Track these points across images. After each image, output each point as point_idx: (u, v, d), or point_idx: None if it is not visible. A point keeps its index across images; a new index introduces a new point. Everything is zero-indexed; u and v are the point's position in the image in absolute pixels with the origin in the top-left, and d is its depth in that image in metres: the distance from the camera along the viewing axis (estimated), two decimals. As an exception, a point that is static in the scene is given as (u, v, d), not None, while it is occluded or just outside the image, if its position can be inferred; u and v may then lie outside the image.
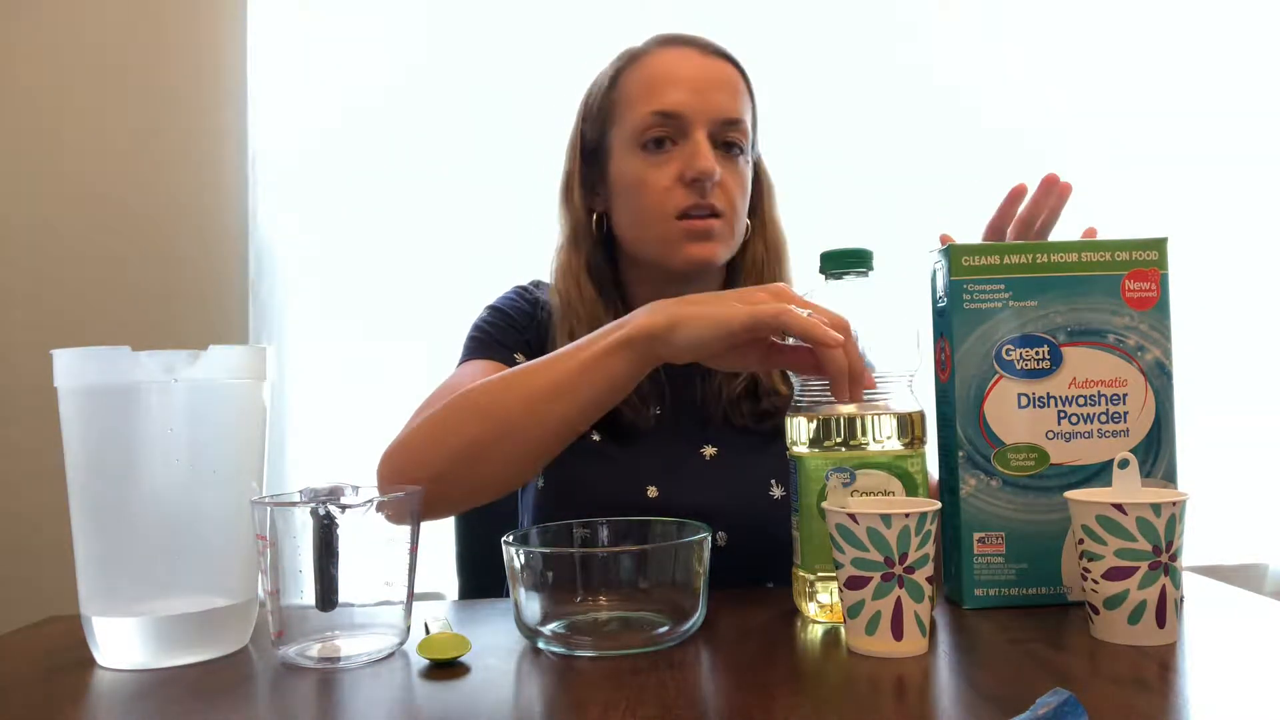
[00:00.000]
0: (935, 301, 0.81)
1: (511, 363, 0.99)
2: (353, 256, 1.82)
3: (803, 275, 1.07)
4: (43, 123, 1.82)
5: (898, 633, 0.65)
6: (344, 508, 0.67)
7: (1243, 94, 1.91)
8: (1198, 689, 0.58)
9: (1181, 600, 0.72)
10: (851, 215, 1.75)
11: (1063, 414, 0.76)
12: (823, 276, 0.79)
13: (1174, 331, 0.78)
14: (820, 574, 0.74)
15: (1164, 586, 0.65)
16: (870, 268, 0.78)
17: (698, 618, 0.71)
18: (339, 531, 0.66)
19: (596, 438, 0.97)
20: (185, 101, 1.84)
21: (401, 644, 0.71)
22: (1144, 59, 1.89)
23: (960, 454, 0.76)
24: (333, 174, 1.81)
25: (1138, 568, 0.65)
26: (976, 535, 0.76)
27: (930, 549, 0.66)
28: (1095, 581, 0.67)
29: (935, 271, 0.80)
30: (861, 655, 0.65)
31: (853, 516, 0.65)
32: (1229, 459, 1.85)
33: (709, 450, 0.99)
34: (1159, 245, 0.77)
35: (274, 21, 1.79)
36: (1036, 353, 0.76)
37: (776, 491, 0.98)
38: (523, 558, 0.69)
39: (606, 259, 1.04)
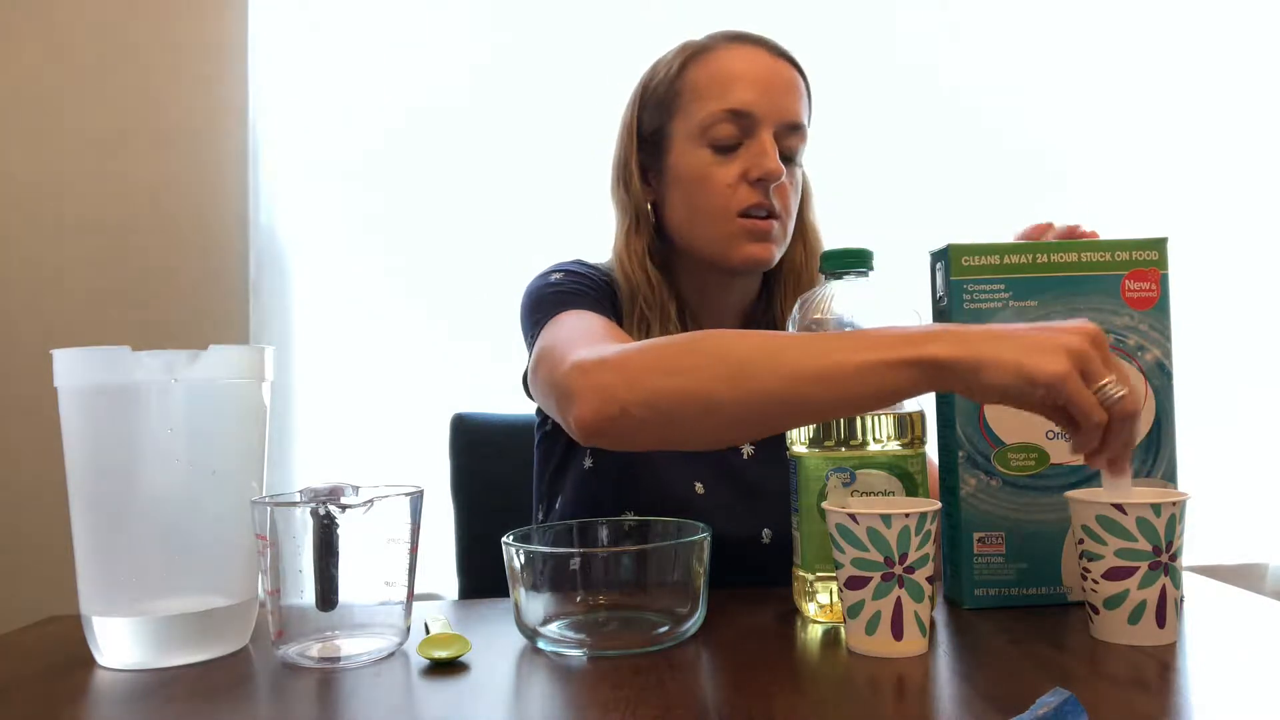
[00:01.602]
0: (935, 301, 0.81)
1: (617, 320, 0.97)
2: (353, 256, 1.82)
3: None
4: (43, 122, 1.83)
5: (898, 633, 0.65)
6: (344, 508, 0.67)
7: (1246, 93, 1.90)
8: (1198, 689, 0.57)
9: (1181, 600, 0.72)
10: (856, 216, 1.75)
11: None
12: (823, 276, 0.79)
13: (1174, 331, 0.78)
14: (820, 574, 0.74)
15: (1164, 586, 0.65)
16: (870, 268, 0.78)
17: (698, 618, 0.71)
18: (339, 531, 0.67)
19: None
20: (185, 101, 1.84)
21: (401, 644, 0.71)
22: (1147, 58, 1.89)
23: (960, 454, 0.77)
24: (333, 173, 1.81)
25: (1138, 568, 0.65)
26: (977, 535, 0.77)
27: (930, 549, 0.66)
28: (1095, 581, 0.67)
29: (935, 271, 0.80)
30: (861, 655, 0.65)
31: (853, 516, 0.65)
32: (1229, 459, 1.85)
33: (747, 450, 1.00)
34: (1159, 245, 0.77)
35: (274, 21, 1.79)
36: None
37: None
38: (523, 558, 0.69)
39: (660, 247, 1.04)
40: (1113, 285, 0.76)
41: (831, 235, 1.09)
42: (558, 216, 1.77)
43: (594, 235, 1.10)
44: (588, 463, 0.99)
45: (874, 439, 0.74)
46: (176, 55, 1.84)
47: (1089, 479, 0.76)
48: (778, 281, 1.07)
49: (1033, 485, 0.76)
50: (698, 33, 1.04)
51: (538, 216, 1.80)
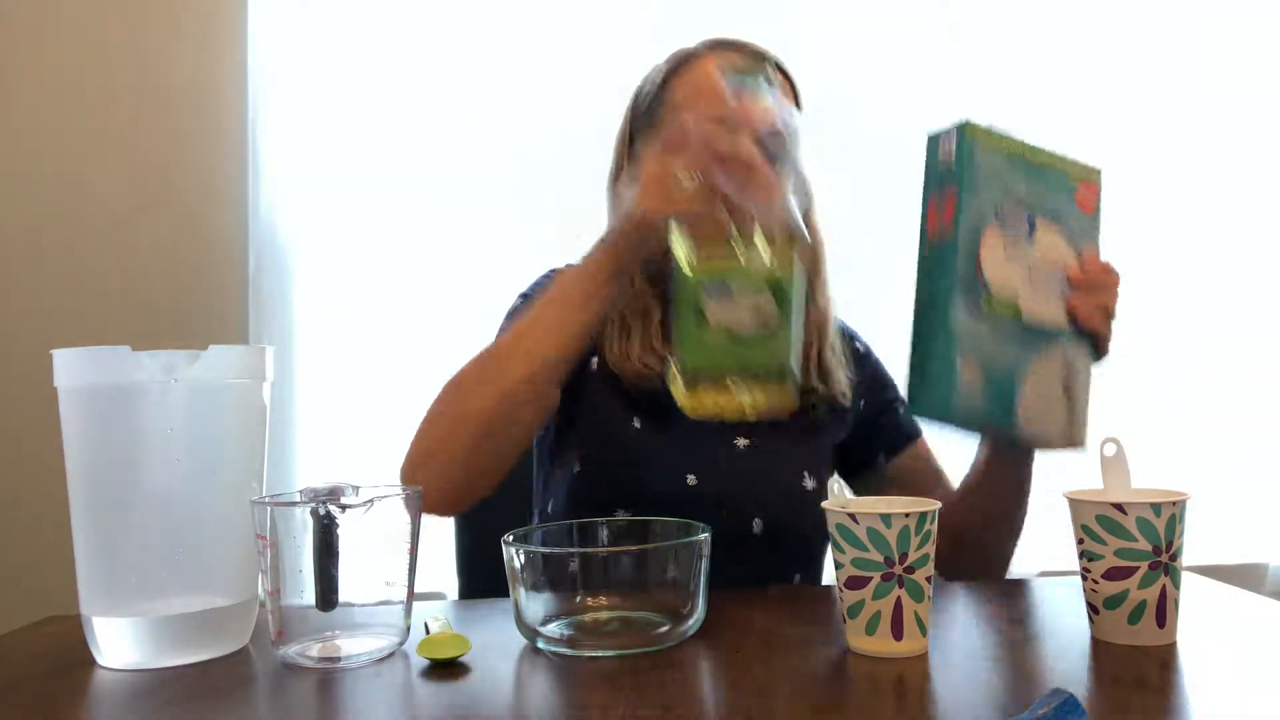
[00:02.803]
0: (936, 166, 0.84)
1: None
2: (354, 255, 1.81)
3: (843, 284, 1.08)
4: (42, 122, 1.82)
5: (898, 633, 0.65)
6: (344, 508, 0.67)
7: (1251, 90, 1.90)
8: (1198, 689, 0.58)
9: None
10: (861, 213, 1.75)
11: (1035, 273, 0.83)
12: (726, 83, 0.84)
13: (1175, 331, 0.81)
14: (695, 369, 0.77)
15: (1164, 586, 0.65)
16: (770, 80, 0.84)
17: (698, 618, 0.71)
18: (339, 531, 0.67)
19: (637, 424, 0.98)
20: (185, 101, 1.84)
21: (401, 644, 0.71)
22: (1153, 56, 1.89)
23: (958, 290, 0.80)
24: (333, 173, 1.81)
25: (1138, 568, 0.65)
26: (963, 358, 0.79)
27: (930, 549, 0.66)
28: (1095, 581, 0.67)
29: (939, 141, 0.84)
30: (861, 655, 0.65)
31: (853, 516, 0.65)
32: (1229, 459, 1.85)
33: (741, 441, 1.00)
34: (1098, 171, 0.90)
35: (274, 20, 1.79)
36: (1020, 221, 0.83)
37: (809, 482, 1.00)
38: (523, 558, 0.69)
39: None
40: (1069, 190, 0.87)
41: (836, 233, 1.08)
42: (559, 216, 1.76)
43: (595, 235, 1.10)
44: (576, 467, 0.99)
45: (748, 252, 0.76)
46: (176, 55, 1.84)
47: (1051, 339, 0.84)
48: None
49: (1011, 327, 0.82)
50: (704, 32, 1.04)
51: (538, 216, 1.79)
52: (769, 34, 1.07)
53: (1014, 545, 1.00)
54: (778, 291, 0.74)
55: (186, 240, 1.83)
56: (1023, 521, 0.98)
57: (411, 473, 0.89)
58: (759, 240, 0.75)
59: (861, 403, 1.08)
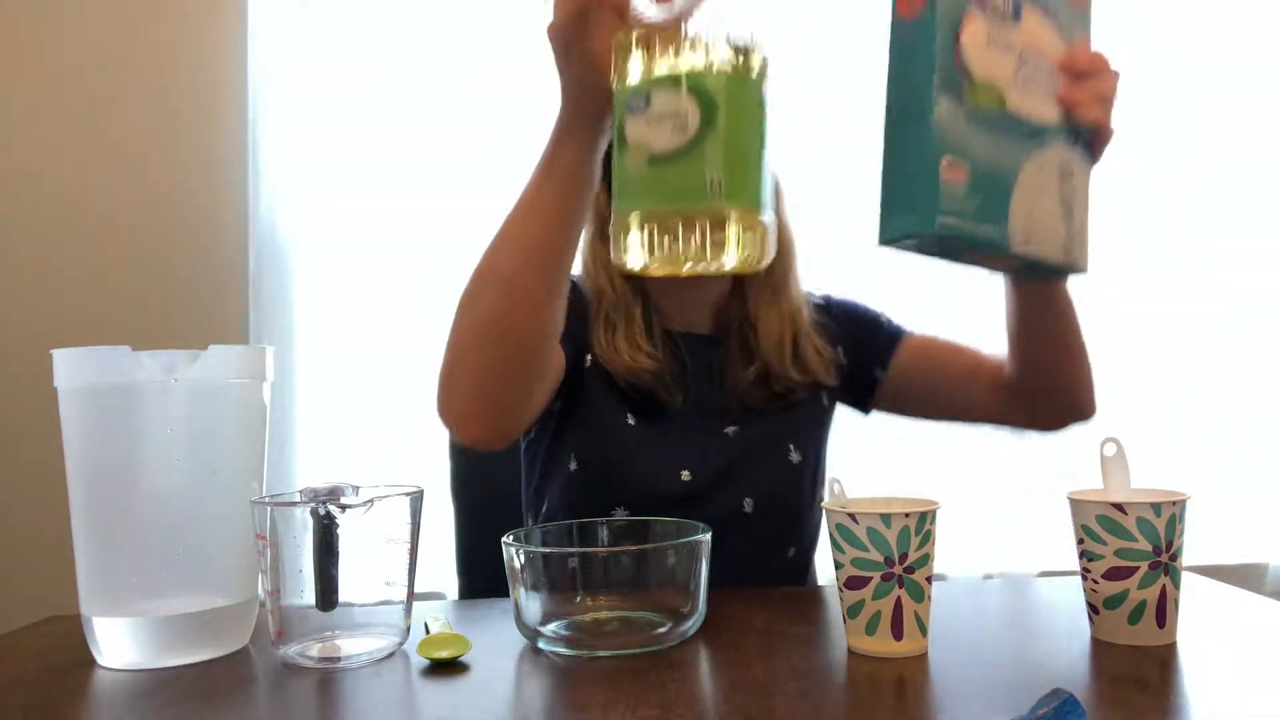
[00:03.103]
0: None
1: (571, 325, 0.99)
2: (354, 255, 1.81)
3: (810, 277, 1.07)
4: (43, 122, 1.82)
5: (898, 633, 0.65)
6: (344, 508, 0.67)
7: (1252, 87, 1.91)
8: (1198, 689, 0.58)
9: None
10: (832, 212, 1.75)
11: (1023, 62, 0.72)
12: None
13: (1176, 330, 0.78)
14: (620, 212, 0.64)
15: (1164, 586, 0.65)
16: None
17: (698, 618, 0.71)
18: (339, 531, 0.67)
19: (631, 421, 0.98)
20: (185, 101, 1.84)
21: (401, 644, 0.71)
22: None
23: (935, 76, 0.67)
24: (333, 173, 1.81)
25: (1138, 568, 0.65)
26: (945, 159, 0.68)
27: (930, 549, 0.66)
28: (1095, 581, 0.67)
29: None
30: (861, 655, 0.65)
31: (852, 516, 0.65)
32: (1229, 459, 1.85)
33: (730, 429, 1.00)
34: None
35: (274, 21, 1.79)
36: (1004, 1, 0.71)
37: (795, 456, 1.00)
38: (523, 558, 0.69)
39: None
40: None
41: (804, 232, 1.07)
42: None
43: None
44: (572, 466, 0.99)
45: (661, 57, 0.62)
46: (176, 55, 1.84)
47: (1038, 134, 0.73)
48: (750, 281, 1.04)
49: (997, 125, 0.71)
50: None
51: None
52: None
53: (1087, 369, 0.94)
54: (701, 93, 0.60)
55: (186, 240, 1.83)
56: (1082, 344, 0.92)
57: (445, 402, 0.82)
58: (690, 44, 0.62)
59: (839, 349, 1.06)
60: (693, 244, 0.61)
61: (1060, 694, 0.48)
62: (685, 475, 0.96)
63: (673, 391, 0.99)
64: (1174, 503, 0.65)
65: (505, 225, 0.83)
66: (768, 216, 0.63)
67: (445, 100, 1.83)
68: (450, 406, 0.81)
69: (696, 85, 0.61)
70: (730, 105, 0.61)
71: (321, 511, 0.66)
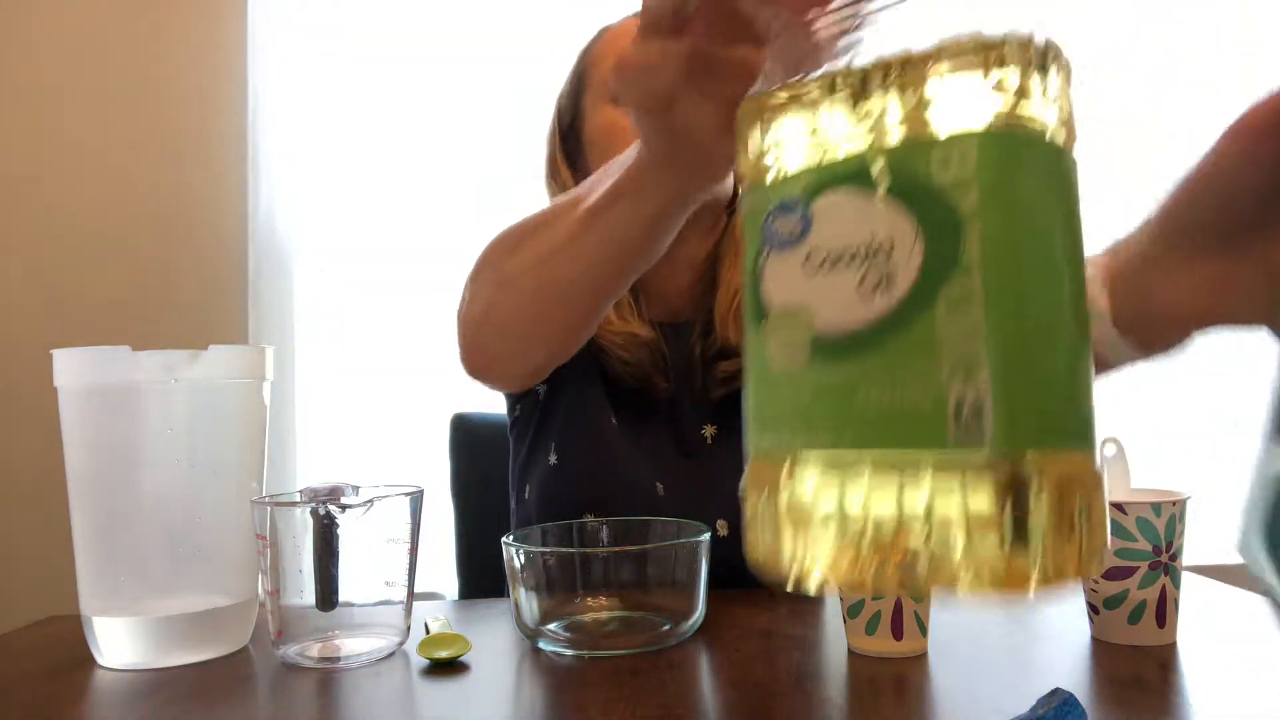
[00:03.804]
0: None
1: None
2: (353, 255, 1.82)
3: None
4: (43, 122, 1.82)
5: (898, 632, 0.65)
6: (344, 507, 0.67)
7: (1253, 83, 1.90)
8: (1198, 689, 0.57)
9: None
10: None
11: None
12: None
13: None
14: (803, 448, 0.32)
15: (1164, 586, 0.65)
16: None
17: (698, 618, 0.71)
18: (339, 531, 0.67)
19: (614, 421, 0.96)
20: (185, 101, 1.84)
21: (401, 644, 0.71)
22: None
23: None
24: (333, 174, 1.81)
25: (1138, 567, 0.65)
26: None
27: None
28: (1095, 581, 0.67)
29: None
30: (861, 655, 0.65)
31: (853, 517, 0.65)
32: (1229, 459, 1.85)
33: (709, 429, 0.97)
34: None
35: (274, 21, 1.79)
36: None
37: None
38: (523, 558, 0.69)
39: None
40: None
41: None
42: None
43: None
44: (552, 459, 0.96)
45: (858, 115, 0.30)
46: (176, 55, 1.84)
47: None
48: (729, 236, 0.98)
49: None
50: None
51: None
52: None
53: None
54: (923, 200, 0.28)
55: (186, 241, 1.83)
56: None
57: (480, 348, 0.79)
58: (897, 79, 0.29)
59: None
60: (929, 558, 0.27)
61: (1060, 694, 0.48)
62: (660, 489, 0.93)
63: (667, 376, 0.96)
64: (1174, 503, 0.65)
65: (562, 221, 0.67)
66: (1095, 463, 0.30)
67: (445, 101, 1.83)
68: (494, 348, 0.78)
69: (911, 184, 0.28)
70: (1001, 213, 0.28)
71: (321, 511, 0.66)
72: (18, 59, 1.82)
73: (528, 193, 1.80)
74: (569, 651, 0.68)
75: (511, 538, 0.72)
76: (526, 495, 1.01)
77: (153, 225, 1.82)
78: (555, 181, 1.05)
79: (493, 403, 1.30)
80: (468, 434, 1.25)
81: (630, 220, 0.59)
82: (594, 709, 0.56)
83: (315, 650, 0.68)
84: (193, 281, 1.82)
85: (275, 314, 1.77)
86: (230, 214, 1.82)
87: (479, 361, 0.81)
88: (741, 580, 0.94)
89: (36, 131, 1.82)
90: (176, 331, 1.80)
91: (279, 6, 1.79)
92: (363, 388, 1.79)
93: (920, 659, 0.64)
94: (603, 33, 1.04)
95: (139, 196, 1.82)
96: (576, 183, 1.00)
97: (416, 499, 0.72)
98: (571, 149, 1.03)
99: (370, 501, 0.68)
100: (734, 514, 0.94)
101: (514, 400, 1.05)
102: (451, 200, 1.82)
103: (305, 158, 1.79)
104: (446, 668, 0.66)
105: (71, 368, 0.69)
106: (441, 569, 1.25)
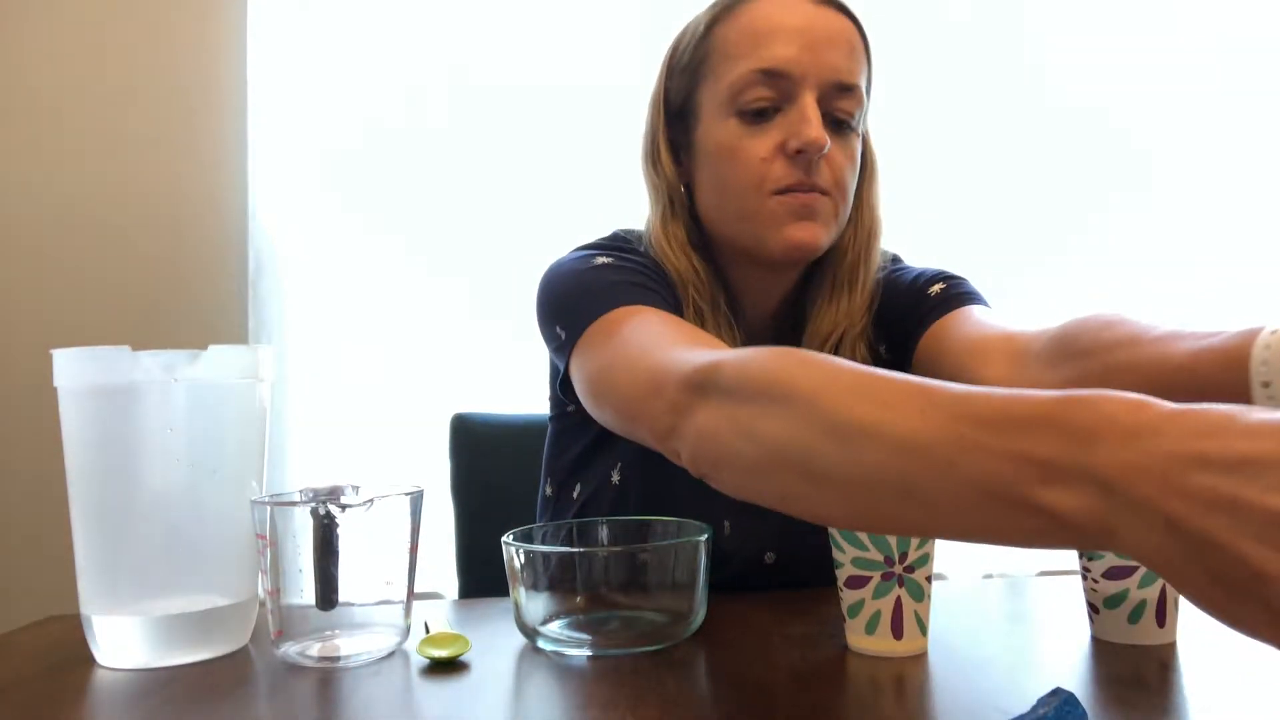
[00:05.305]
0: None
1: (679, 314, 0.83)
2: (353, 256, 1.82)
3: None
4: (43, 122, 1.82)
5: (898, 632, 0.65)
6: (344, 507, 0.67)
7: (1252, 82, 1.90)
8: (1198, 689, 0.57)
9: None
10: (925, 198, 1.76)
11: None
12: None
13: (1177, 322, 0.68)
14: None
15: (1164, 586, 0.65)
16: None
17: (698, 618, 0.71)
18: (339, 531, 0.67)
19: None
20: (185, 101, 1.84)
21: (401, 643, 0.71)
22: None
23: None
24: (333, 173, 1.81)
25: (1138, 567, 0.65)
26: None
27: (930, 548, 0.66)
28: (1095, 581, 0.67)
29: None
30: (861, 655, 0.65)
31: (853, 516, 0.65)
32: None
33: None
34: None
35: (274, 21, 1.79)
36: None
37: None
38: (523, 557, 0.69)
39: (698, 234, 0.92)
40: None
41: (897, 219, 0.97)
42: (558, 215, 1.77)
43: (593, 233, 1.10)
44: (615, 478, 0.91)
45: None
46: (175, 55, 1.84)
47: None
48: (819, 272, 0.92)
49: None
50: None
51: (537, 216, 1.80)
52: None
53: None
54: None
55: (186, 240, 1.83)
56: None
57: (701, 451, 0.58)
58: None
59: (882, 347, 0.94)
60: None
61: (1060, 694, 0.48)
62: (726, 526, 0.88)
63: None
64: (1174, 502, 0.65)
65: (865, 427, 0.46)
66: None
67: (443, 104, 1.83)
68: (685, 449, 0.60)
69: None
70: None
71: (321, 511, 0.66)
72: (17, 59, 1.82)
73: (528, 192, 1.81)
74: (569, 651, 0.68)
75: (511, 537, 0.72)
76: (575, 495, 0.95)
77: (152, 225, 1.82)
78: (654, 168, 0.93)
79: (493, 403, 1.30)
80: (468, 434, 1.25)
81: (1032, 535, 0.40)
82: (594, 709, 0.56)
83: (315, 650, 0.68)
84: (192, 281, 1.82)
85: (274, 314, 1.77)
86: (230, 214, 1.82)
87: (640, 434, 0.66)
88: (742, 581, 0.93)
89: (36, 131, 1.82)
90: (176, 331, 1.80)
91: (279, 6, 1.78)
92: (363, 387, 1.79)
93: (920, 659, 0.64)
94: (728, 8, 0.87)
95: (138, 196, 1.82)
96: (678, 170, 0.92)
97: (416, 499, 0.72)
98: (676, 135, 0.92)
99: (370, 501, 0.68)
100: (783, 545, 0.90)
101: (566, 398, 0.91)
102: (452, 200, 1.82)
103: (305, 158, 1.79)
104: (446, 667, 0.66)
105: (71, 367, 0.69)
106: (441, 569, 1.25)
